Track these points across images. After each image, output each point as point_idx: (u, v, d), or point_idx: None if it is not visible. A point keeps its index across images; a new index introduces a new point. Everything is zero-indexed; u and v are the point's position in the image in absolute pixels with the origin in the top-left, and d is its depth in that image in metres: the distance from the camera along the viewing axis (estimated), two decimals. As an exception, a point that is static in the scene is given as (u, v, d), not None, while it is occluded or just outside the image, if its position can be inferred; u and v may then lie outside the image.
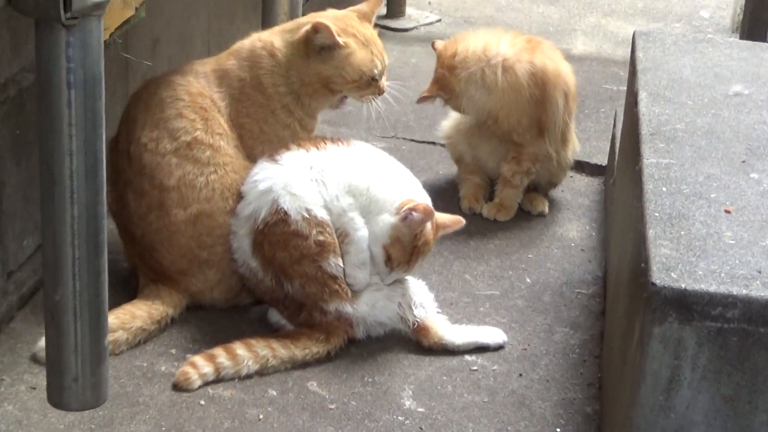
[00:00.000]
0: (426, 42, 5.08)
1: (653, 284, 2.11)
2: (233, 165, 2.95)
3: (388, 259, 2.89)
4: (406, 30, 5.35)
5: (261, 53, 3.03)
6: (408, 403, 2.74)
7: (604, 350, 2.91)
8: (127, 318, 2.83)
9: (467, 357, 2.93)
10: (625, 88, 3.55)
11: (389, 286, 2.93)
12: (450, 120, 3.82)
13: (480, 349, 2.95)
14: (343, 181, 2.88)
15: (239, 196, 2.93)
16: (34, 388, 2.66)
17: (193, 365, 2.73)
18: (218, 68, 3.03)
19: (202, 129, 2.93)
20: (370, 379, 2.81)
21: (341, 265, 2.87)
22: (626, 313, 2.44)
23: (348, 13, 3.10)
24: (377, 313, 2.91)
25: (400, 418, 2.68)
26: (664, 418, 2.17)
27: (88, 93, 2.01)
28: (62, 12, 1.93)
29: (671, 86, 3.02)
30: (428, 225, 2.90)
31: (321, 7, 3.21)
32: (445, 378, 2.84)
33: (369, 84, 3.06)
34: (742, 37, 4.84)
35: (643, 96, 2.94)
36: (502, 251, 3.45)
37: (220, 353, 2.76)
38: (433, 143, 4.09)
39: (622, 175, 3.16)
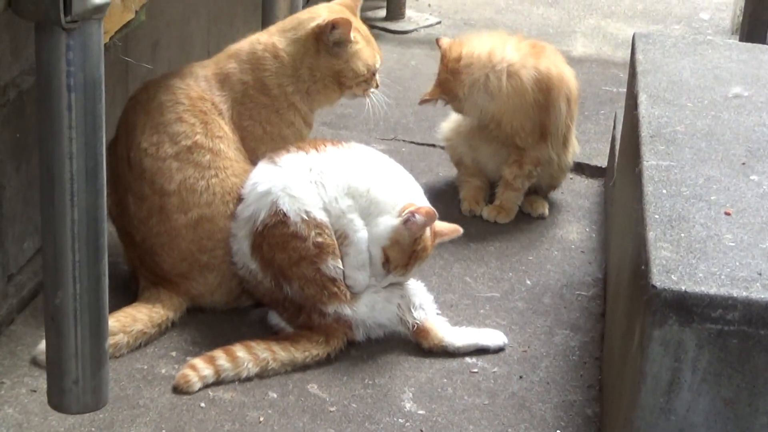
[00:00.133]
0: (426, 44, 5.10)
1: (653, 286, 2.11)
2: (233, 168, 2.96)
3: (386, 261, 2.89)
4: (405, 32, 5.35)
5: (263, 56, 3.04)
6: (408, 405, 2.74)
7: (605, 352, 2.91)
8: (128, 321, 2.83)
9: (467, 359, 2.93)
10: (625, 89, 3.55)
11: (389, 289, 2.93)
12: (449, 122, 3.82)
13: (480, 351, 2.95)
14: (343, 182, 2.89)
15: (239, 199, 2.93)
16: (35, 391, 2.66)
17: (193, 368, 2.73)
18: (219, 72, 3.03)
19: (202, 133, 2.93)
20: (370, 382, 2.82)
21: (340, 267, 2.87)
22: (626, 315, 2.44)
23: (343, 8, 3.13)
24: (377, 315, 2.91)
25: (400, 420, 2.68)
26: (665, 420, 2.17)
27: (88, 96, 2.01)
28: (62, 15, 1.93)
29: (671, 88, 3.03)
30: (427, 231, 2.90)
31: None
32: (445, 380, 2.84)
33: (371, 78, 3.12)
34: (741, 39, 4.84)
35: (643, 98, 2.94)
36: (503, 253, 3.45)
37: (220, 355, 2.76)
38: (433, 145, 4.09)
39: (622, 177, 3.16)
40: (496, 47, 3.50)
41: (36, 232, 2.91)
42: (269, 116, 3.04)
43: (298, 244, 2.83)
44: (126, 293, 3.00)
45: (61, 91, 1.99)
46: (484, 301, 3.19)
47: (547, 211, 3.71)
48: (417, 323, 2.92)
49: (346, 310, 2.87)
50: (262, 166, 2.95)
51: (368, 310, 2.90)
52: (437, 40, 3.64)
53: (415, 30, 5.39)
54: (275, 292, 2.90)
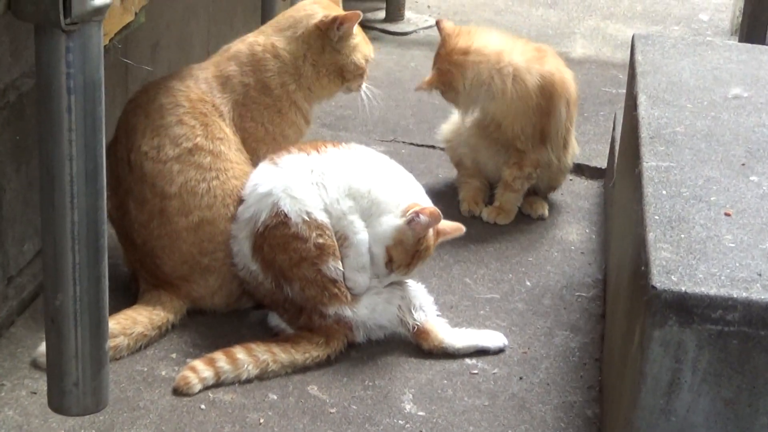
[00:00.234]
0: (425, 45, 5.10)
1: (653, 287, 2.11)
2: (234, 171, 2.96)
3: (389, 261, 2.89)
4: (405, 34, 5.35)
5: (264, 56, 3.06)
6: (408, 406, 2.74)
7: (605, 353, 2.91)
8: (129, 323, 2.83)
9: (467, 360, 2.93)
10: (625, 91, 3.55)
11: (389, 290, 2.93)
12: (449, 124, 3.82)
13: (480, 352, 2.95)
14: (344, 184, 2.89)
15: (240, 201, 2.93)
16: (35, 393, 2.66)
17: (193, 369, 2.73)
18: (220, 74, 3.04)
19: (202, 135, 2.94)
20: (370, 383, 2.82)
21: (341, 268, 2.87)
22: (626, 316, 2.44)
23: (330, 2, 3.16)
24: (377, 316, 2.91)
25: (400, 422, 2.68)
26: (665, 421, 2.17)
27: (87, 98, 2.01)
28: (62, 17, 1.93)
29: (670, 89, 3.03)
30: (430, 230, 2.90)
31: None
32: (445, 381, 2.84)
33: (365, 71, 3.18)
34: (741, 40, 4.85)
35: (642, 99, 2.94)
36: (502, 254, 3.45)
37: (220, 357, 2.76)
38: (433, 147, 4.09)
39: (621, 178, 3.16)
40: (506, 49, 3.48)
41: (36, 234, 2.91)
42: (272, 117, 3.06)
43: (299, 245, 2.83)
44: (126, 295, 3.00)
45: (60, 93, 1.99)
46: (484, 302, 3.19)
47: (546, 212, 3.71)
48: (417, 325, 2.92)
49: (347, 312, 2.87)
50: (263, 167, 2.95)
51: (369, 311, 2.90)
52: (438, 22, 3.59)
53: (415, 31, 5.39)
54: (276, 294, 2.90)
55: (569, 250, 3.51)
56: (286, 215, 2.84)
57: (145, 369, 2.79)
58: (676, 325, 2.10)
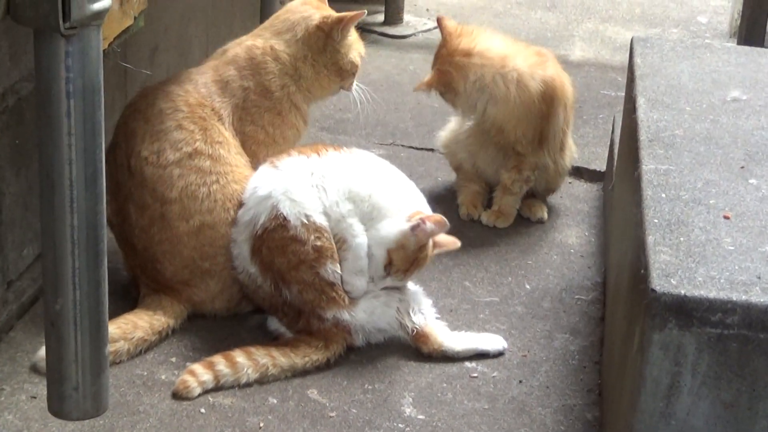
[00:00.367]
0: (424, 48, 5.10)
1: (653, 290, 2.11)
2: (234, 175, 2.96)
3: (389, 264, 2.88)
4: (404, 37, 5.35)
5: (264, 59, 3.07)
6: (408, 410, 2.74)
7: (604, 356, 2.91)
8: (129, 328, 2.82)
9: (467, 364, 2.93)
10: (623, 93, 3.55)
11: (388, 293, 2.93)
12: (447, 131, 3.82)
13: (480, 355, 2.95)
14: (344, 187, 2.89)
15: (239, 205, 2.93)
16: (35, 398, 2.66)
17: (193, 373, 2.73)
18: (219, 78, 3.04)
19: (201, 139, 2.94)
20: (370, 387, 2.82)
21: (339, 272, 2.87)
22: (626, 319, 2.44)
23: (319, 2, 3.18)
24: (376, 319, 2.91)
25: (400, 425, 2.68)
26: (665, 424, 2.17)
27: (87, 102, 2.01)
28: (61, 22, 1.93)
29: (669, 92, 3.03)
30: (431, 239, 2.90)
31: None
32: (445, 385, 2.84)
33: (359, 69, 3.23)
34: (739, 42, 4.85)
35: (641, 102, 2.94)
36: (502, 258, 3.45)
37: (219, 361, 2.76)
38: (431, 150, 4.09)
39: (620, 181, 3.17)
40: (510, 53, 3.47)
41: (36, 238, 2.91)
42: (272, 119, 3.07)
43: (298, 248, 2.83)
44: (126, 299, 3.00)
45: (60, 97, 1.99)
46: (484, 305, 3.19)
47: (546, 215, 3.71)
48: (416, 328, 2.92)
49: (345, 316, 2.87)
50: (263, 169, 2.95)
51: (367, 315, 2.90)
52: (439, 19, 3.56)
53: (413, 35, 5.39)
54: (274, 297, 2.90)
55: (568, 253, 3.51)
56: (285, 218, 2.84)
57: (145, 373, 2.79)
58: (675, 329, 2.10)
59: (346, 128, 4.26)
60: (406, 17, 5.51)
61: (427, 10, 5.77)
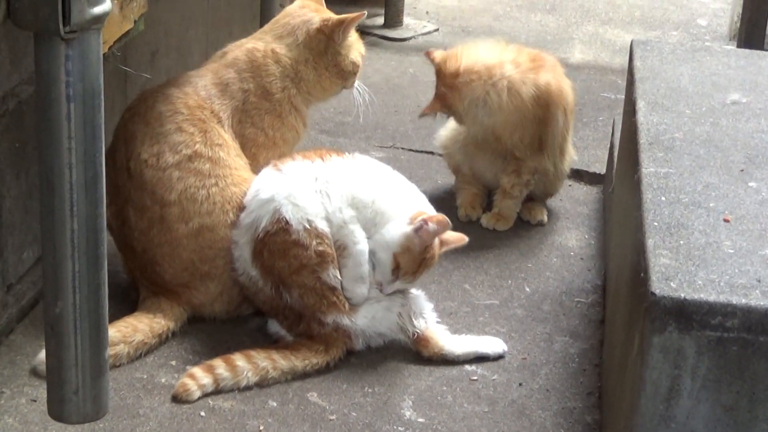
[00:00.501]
0: (424, 51, 5.09)
1: (653, 294, 2.11)
2: (233, 177, 2.96)
3: (396, 268, 2.88)
4: (403, 40, 5.35)
5: (265, 62, 3.08)
6: (408, 413, 2.74)
7: (604, 359, 2.91)
8: (129, 331, 2.82)
9: (467, 367, 2.93)
10: (623, 96, 3.55)
11: (389, 298, 2.93)
12: (447, 130, 3.82)
13: (480, 358, 2.95)
14: (347, 193, 2.89)
15: (240, 209, 2.93)
16: (35, 401, 2.65)
17: (192, 377, 2.73)
18: (219, 81, 3.04)
19: (201, 142, 2.94)
20: (370, 390, 2.81)
21: (340, 277, 2.87)
22: (626, 322, 2.44)
23: (317, 5, 3.20)
24: (377, 324, 2.91)
25: (400, 428, 2.68)
26: (665, 427, 2.17)
27: (87, 106, 2.02)
28: (61, 26, 1.94)
29: (669, 95, 3.03)
30: (436, 239, 2.90)
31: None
32: (445, 388, 2.84)
33: (360, 68, 3.24)
34: (739, 45, 4.85)
35: (641, 105, 2.94)
36: (502, 261, 3.45)
37: (219, 364, 2.76)
38: (432, 153, 4.09)
39: (620, 183, 3.17)
40: (495, 62, 3.48)
41: (35, 242, 2.91)
42: (272, 121, 3.07)
43: (299, 252, 2.83)
44: (126, 302, 3.00)
45: (60, 101, 2.00)
46: (484, 308, 3.19)
47: (546, 218, 3.71)
48: (417, 332, 2.92)
49: (345, 321, 2.87)
50: (266, 172, 2.95)
51: (368, 320, 2.90)
52: (427, 54, 3.60)
53: (413, 37, 5.39)
54: (275, 300, 2.90)
55: (568, 255, 3.51)
56: (287, 222, 2.84)
57: (145, 376, 2.79)
58: (675, 332, 2.11)
59: (346, 131, 4.26)
60: (406, 20, 5.51)
61: (427, 12, 5.77)
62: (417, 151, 4.15)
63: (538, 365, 2.95)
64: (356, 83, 3.25)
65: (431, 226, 2.85)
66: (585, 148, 4.16)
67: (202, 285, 2.96)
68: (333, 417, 2.70)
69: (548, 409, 2.78)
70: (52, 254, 2.09)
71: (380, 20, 5.46)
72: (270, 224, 2.85)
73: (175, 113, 2.95)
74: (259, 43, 3.13)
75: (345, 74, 3.18)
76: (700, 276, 2.17)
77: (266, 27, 3.22)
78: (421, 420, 2.72)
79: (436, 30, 5.51)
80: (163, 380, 2.78)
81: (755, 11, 4.83)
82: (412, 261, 2.88)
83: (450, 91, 3.49)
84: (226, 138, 2.99)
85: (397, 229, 2.88)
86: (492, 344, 2.98)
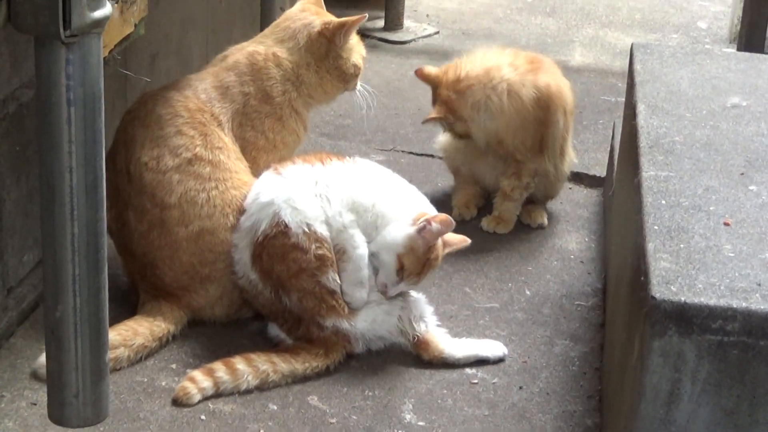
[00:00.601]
0: (424, 54, 5.11)
1: (653, 297, 2.11)
2: (233, 180, 2.96)
3: (401, 269, 2.88)
4: (404, 42, 5.36)
5: (266, 65, 3.08)
6: (408, 416, 2.74)
7: (605, 363, 2.91)
8: (129, 335, 2.82)
9: (467, 370, 2.93)
10: (623, 99, 3.56)
11: (390, 301, 2.92)
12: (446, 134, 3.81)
13: (480, 362, 2.95)
14: (347, 197, 2.89)
15: (240, 212, 2.93)
16: (35, 404, 2.65)
17: (192, 380, 2.73)
18: (219, 84, 3.04)
19: (201, 145, 2.94)
20: (370, 393, 2.81)
21: (339, 281, 2.87)
22: (626, 325, 2.44)
23: (317, 8, 3.22)
24: (377, 328, 2.91)
25: (400, 431, 2.68)
26: (665, 431, 2.17)
27: (87, 110, 2.02)
28: (62, 30, 1.94)
29: (669, 98, 3.03)
30: (439, 239, 2.90)
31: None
32: (445, 391, 2.84)
33: (361, 70, 3.25)
34: (739, 48, 4.85)
35: (641, 108, 2.95)
36: (502, 264, 3.46)
37: (219, 368, 2.76)
38: (432, 156, 4.09)
39: (620, 187, 3.17)
40: (494, 66, 3.48)
41: (36, 245, 2.91)
42: (273, 125, 3.07)
43: (299, 256, 2.83)
44: (126, 305, 3.00)
45: (60, 104, 2.00)
46: (484, 311, 3.19)
47: (546, 221, 3.71)
48: (417, 335, 2.92)
49: (344, 324, 2.87)
50: (267, 176, 2.95)
51: (368, 323, 2.89)
52: (416, 73, 3.57)
53: (414, 40, 5.39)
54: (275, 303, 2.90)
55: (568, 259, 3.51)
56: (286, 225, 2.84)
57: (145, 380, 2.79)
58: (675, 336, 2.11)
59: (346, 134, 4.26)
60: (407, 23, 5.52)
61: (428, 15, 5.77)
62: (417, 154, 4.15)
63: (538, 368, 2.95)
64: (358, 85, 3.25)
65: (435, 226, 2.85)
66: (585, 151, 4.16)
67: (202, 288, 2.96)
68: (333, 420, 2.70)
69: (548, 413, 2.78)
70: (53, 257, 2.09)
71: (380, 23, 5.46)
72: (269, 228, 2.85)
73: (175, 116, 2.95)
74: (260, 47, 3.14)
75: (346, 77, 3.18)
76: (701, 280, 2.17)
77: (267, 30, 3.22)
78: (421, 423, 2.72)
79: (437, 33, 5.51)
80: (163, 383, 2.78)
81: (755, 14, 4.83)
82: (416, 261, 2.88)
83: (455, 95, 3.48)
84: (226, 141, 2.99)
85: (400, 230, 2.88)
86: (492, 347, 2.98)
